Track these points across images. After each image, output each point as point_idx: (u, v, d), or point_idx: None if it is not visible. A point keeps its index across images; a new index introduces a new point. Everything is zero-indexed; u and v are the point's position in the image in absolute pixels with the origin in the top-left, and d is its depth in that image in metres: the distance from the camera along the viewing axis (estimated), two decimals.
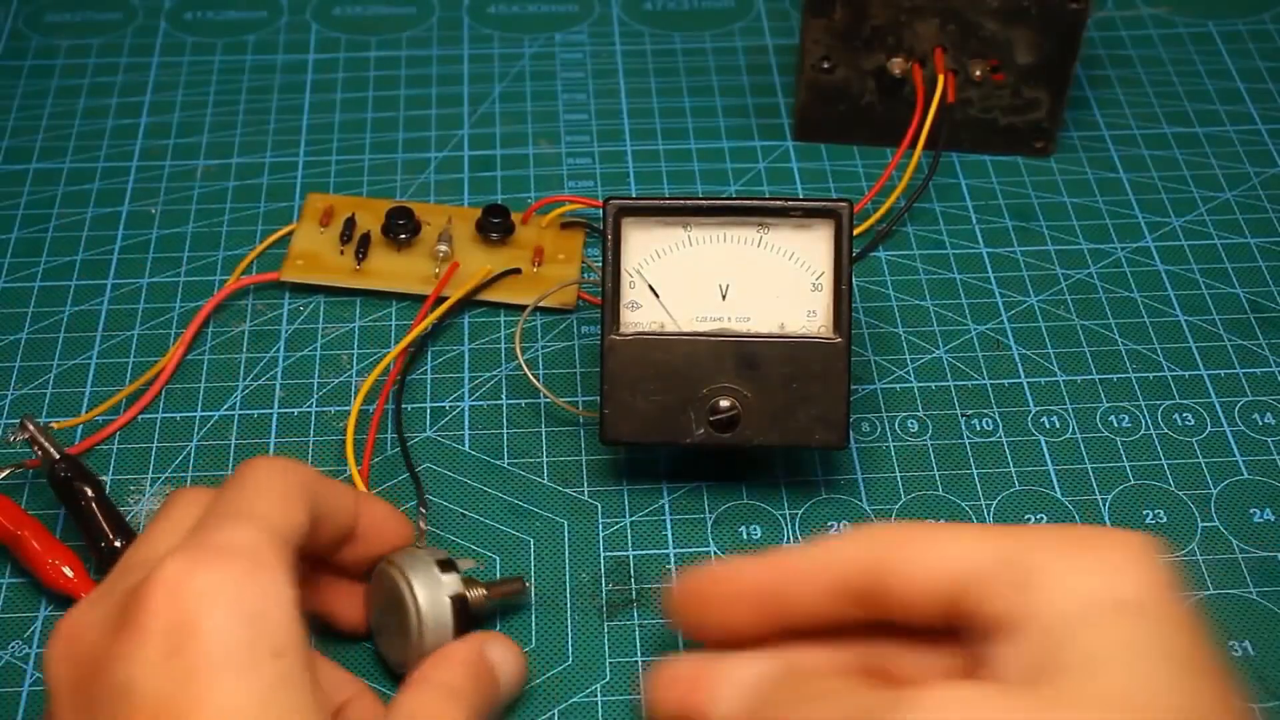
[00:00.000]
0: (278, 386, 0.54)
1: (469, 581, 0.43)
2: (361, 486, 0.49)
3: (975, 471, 0.51)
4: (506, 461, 0.51)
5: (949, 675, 0.37)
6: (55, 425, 0.50)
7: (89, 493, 0.47)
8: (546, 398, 0.53)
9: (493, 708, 0.41)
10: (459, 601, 0.42)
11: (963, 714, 0.32)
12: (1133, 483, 0.50)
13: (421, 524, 0.47)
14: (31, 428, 0.48)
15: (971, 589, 0.35)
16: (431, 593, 0.42)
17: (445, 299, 0.55)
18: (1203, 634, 0.34)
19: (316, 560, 0.42)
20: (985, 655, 0.34)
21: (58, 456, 0.47)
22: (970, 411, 0.53)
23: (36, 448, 0.47)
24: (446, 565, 0.42)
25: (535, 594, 0.47)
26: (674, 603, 0.40)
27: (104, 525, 0.46)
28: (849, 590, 0.37)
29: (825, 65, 0.62)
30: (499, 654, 0.41)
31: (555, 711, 0.44)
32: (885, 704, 0.32)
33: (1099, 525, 0.36)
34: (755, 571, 0.38)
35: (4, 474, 0.48)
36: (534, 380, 0.52)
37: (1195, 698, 0.32)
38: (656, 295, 0.48)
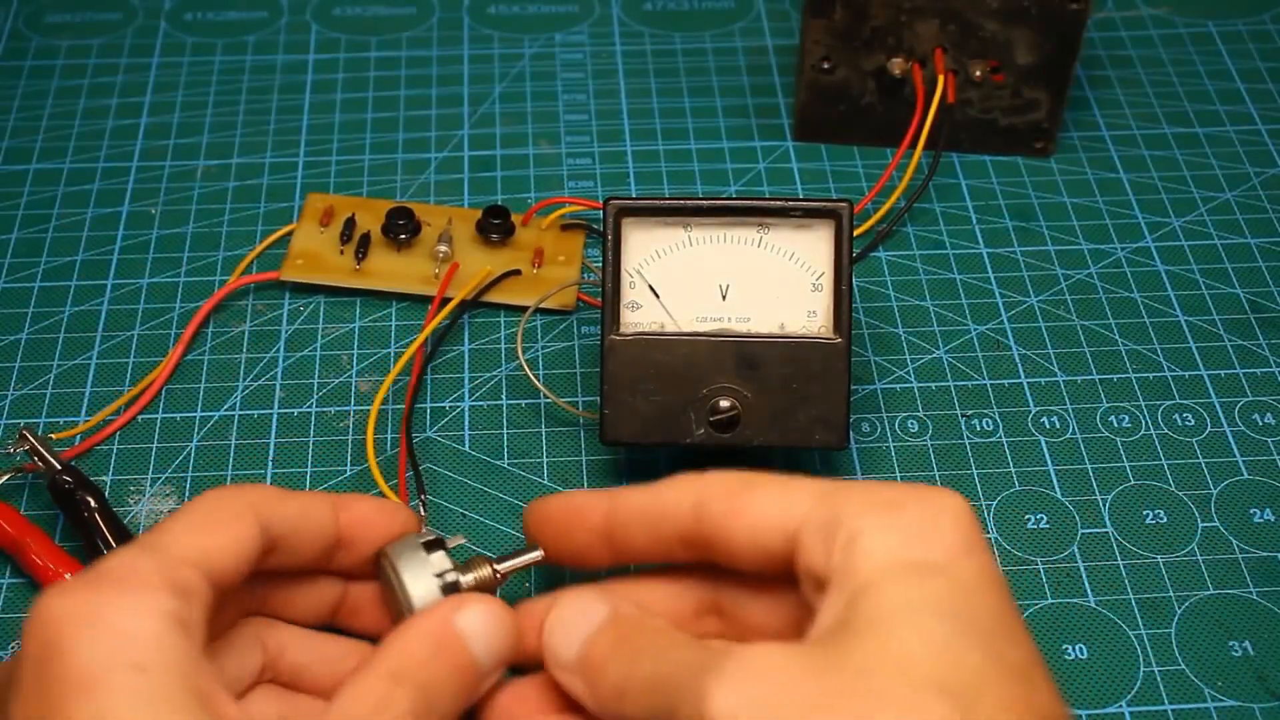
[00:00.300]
0: (278, 387, 0.54)
1: (477, 560, 0.42)
2: (381, 484, 0.48)
3: (975, 472, 0.51)
4: (506, 462, 0.51)
5: (787, 624, 0.39)
6: (54, 437, 0.50)
7: (92, 503, 0.47)
8: (547, 398, 0.53)
9: (470, 682, 0.38)
10: (446, 578, 0.40)
11: (763, 677, 0.33)
12: (1133, 483, 0.50)
13: (422, 510, 0.47)
14: (31, 439, 0.48)
15: (793, 544, 0.37)
16: (416, 572, 0.40)
17: (449, 299, 0.55)
18: (1002, 596, 0.35)
19: (329, 576, 0.42)
20: (814, 608, 0.36)
21: (59, 467, 0.47)
22: (970, 412, 0.53)
23: (37, 458, 0.48)
24: (433, 545, 0.41)
25: (535, 594, 0.46)
26: (526, 525, 0.42)
27: (108, 535, 0.46)
28: (678, 538, 0.39)
29: (825, 65, 0.62)
30: (473, 621, 0.38)
31: None
32: (698, 663, 0.34)
33: (918, 484, 0.37)
34: (593, 508, 0.40)
35: (2, 479, 0.48)
36: (535, 380, 0.52)
37: (979, 661, 0.33)
38: (657, 296, 0.48)
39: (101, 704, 0.32)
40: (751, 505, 0.38)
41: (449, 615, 0.38)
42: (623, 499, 0.40)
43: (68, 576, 0.46)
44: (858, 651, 0.33)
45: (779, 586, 0.39)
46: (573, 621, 0.39)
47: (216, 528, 0.37)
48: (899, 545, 0.35)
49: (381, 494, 0.49)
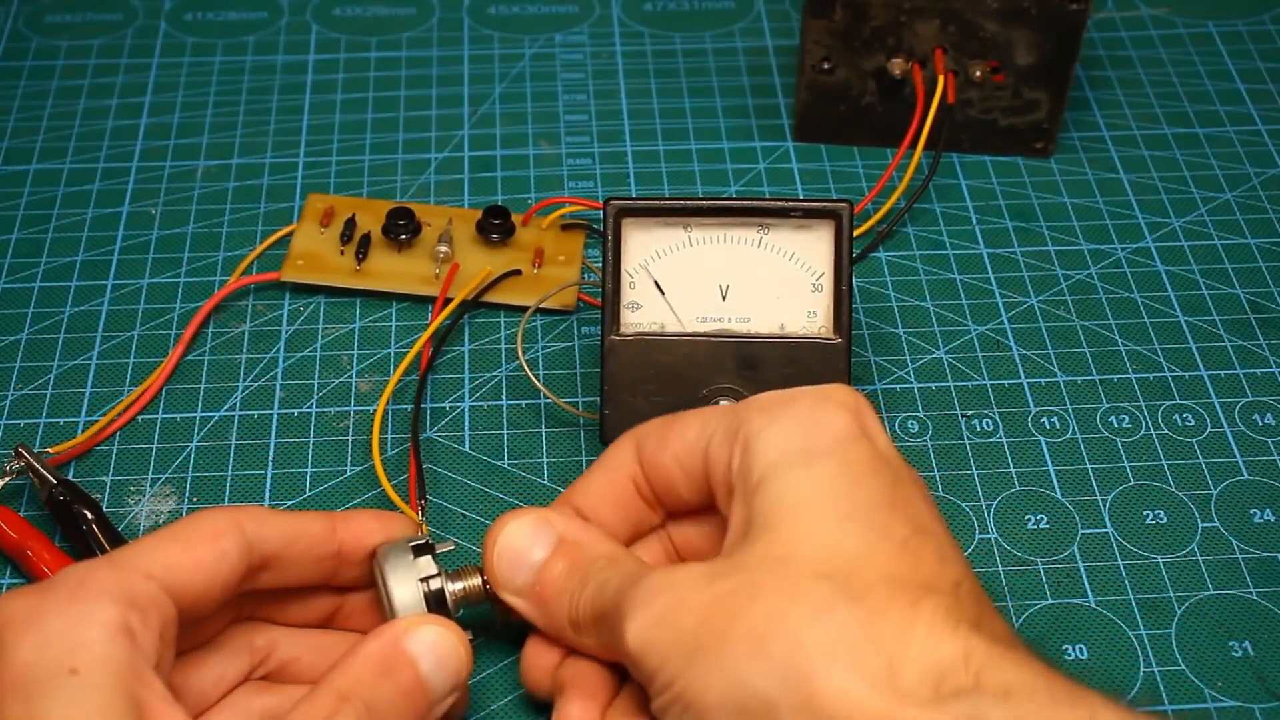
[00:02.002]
0: (278, 387, 0.54)
1: (468, 569, 0.42)
2: (385, 485, 0.48)
3: (975, 472, 0.51)
4: (507, 462, 0.51)
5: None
6: (52, 450, 0.50)
7: (89, 515, 0.47)
8: (547, 398, 0.53)
9: (420, 704, 0.38)
10: (430, 584, 0.40)
11: (668, 593, 0.36)
12: (1133, 483, 0.50)
13: (419, 514, 0.47)
14: (27, 455, 0.48)
15: (707, 464, 0.39)
16: (402, 575, 0.40)
17: (450, 299, 0.55)
18: (892, 475, 0.38)
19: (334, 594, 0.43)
20: (726, 518, 0.39)
21: (55, 482, 0.47)
22: (970, 412, 0.53)
23: (32, 474, 0.48)
24: (422, 549, 0.41)
25: None
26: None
27: (108, 547, 0.46)
28: (636, 496, 0.41)
29: (825, 66, 0.62)
30: (423, 643, 0.38)
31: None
32: (623, 589, 0.37)
33: (811, 386, 0.40)
34: (566, 535, 0.41)
35: (1, 483, 0.48)
36: (535, 380, 0.52)
37: (859, 543, 0.36)
38: (662, 292, 0.48)
39: (33, 705, 0.33)
40: (673, 436, 0.40)
41: (399, 637, 0.38)
42: (579, 502, 0.42)
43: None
44: (751, 553, 0.36)
45: (716, 513, 0.41)
46: (521, 548, 0.40)
47: (191, 544, 0.37)
48: (789, 438, 0.37)
49: (384, 494, 0.49)
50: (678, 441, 0.40)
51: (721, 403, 0.48)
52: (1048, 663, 0.35)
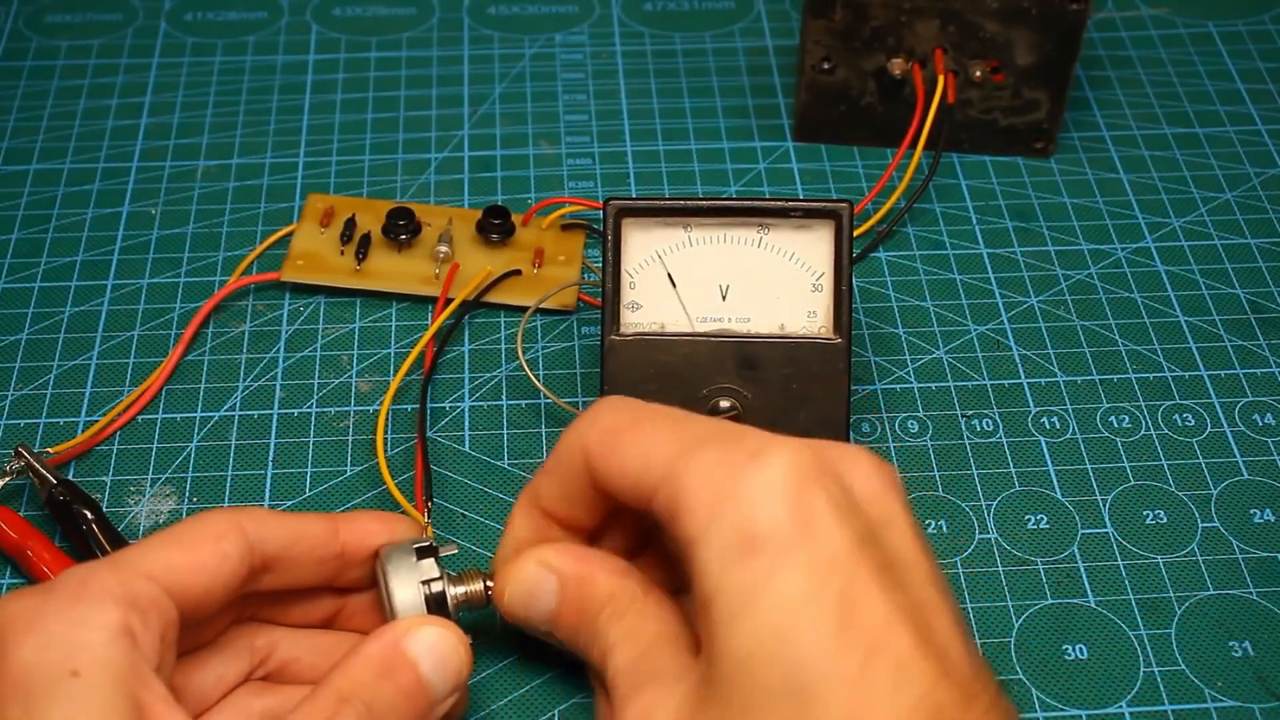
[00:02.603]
0: (278, 387, 0.54)
1: (471, 573, 0.42)
2: (390, 484, 0.48)
3: (975, 472, 0.51)
4: (507, 462, 0.51)
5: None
6: (51, 450, 0.50)
7: (89, 515, 0.47)
8: (547, 398, 0.53)
9: (420, 705, 0.38)
10: (432, 586, 0.40)
11: None
12: (1133, 483, 0.50)
13: (425, 515, 0.47)
14: (27, 455, 0.48)
15: (650, 511, 0.37)
16: (404, 577, 0.40)
17: (451, 299, 0.55)
18: (841, 576, 0.34)
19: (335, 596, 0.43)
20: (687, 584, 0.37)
21: (55, 483, 0.47)
22: (970, 412, 0.53)
23: (32, 475, 0.48)
24: (425, 551, 0.41)
25: None
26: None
27: (108, 547, 0.46)
28: (599, 493, 0.40)
29: (825, 66, 0.62)
30: (424, 645, 0.38)
31: (556, 711, 0.44)
32: (620, 658, 0.38)
33: (760, 444, 0.36)
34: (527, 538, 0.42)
35: (1, 483, 0.48)
36: (535, 381, 0.52)
37: (823, 698, 0.33)
38: (674, 284, 0.48)
39: (33, 707, 0.33)
40: (614, 466, 0.38)
41: (399, 638, 0.38)
42: (541, 491, 0.41)
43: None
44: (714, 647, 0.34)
45: None
46: (530, 599, 0.40)
47: (192, 546, 0.37)
48: (726, 561, 0.35)
49: (384, 494, 0.49)
50: (620, 473, 0.38)
51: (721, 404, 0.48)
52: None
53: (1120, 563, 0.48)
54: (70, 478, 0.49)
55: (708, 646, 0.35)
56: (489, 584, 0.42)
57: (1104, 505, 0.50)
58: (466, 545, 0.48)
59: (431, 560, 0.41)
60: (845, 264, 0.48)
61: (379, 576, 0.41)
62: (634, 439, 0.38)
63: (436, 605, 0.41)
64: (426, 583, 0.40)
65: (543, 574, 0.40)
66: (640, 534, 0.43)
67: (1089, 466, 0.51)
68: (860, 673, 0.33)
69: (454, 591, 0.41)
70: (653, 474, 0.37)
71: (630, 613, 0.39)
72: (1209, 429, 0.52)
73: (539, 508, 0.41)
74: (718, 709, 0.34)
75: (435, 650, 0.38)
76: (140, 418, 0.52)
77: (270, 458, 0.51)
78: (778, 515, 0.34)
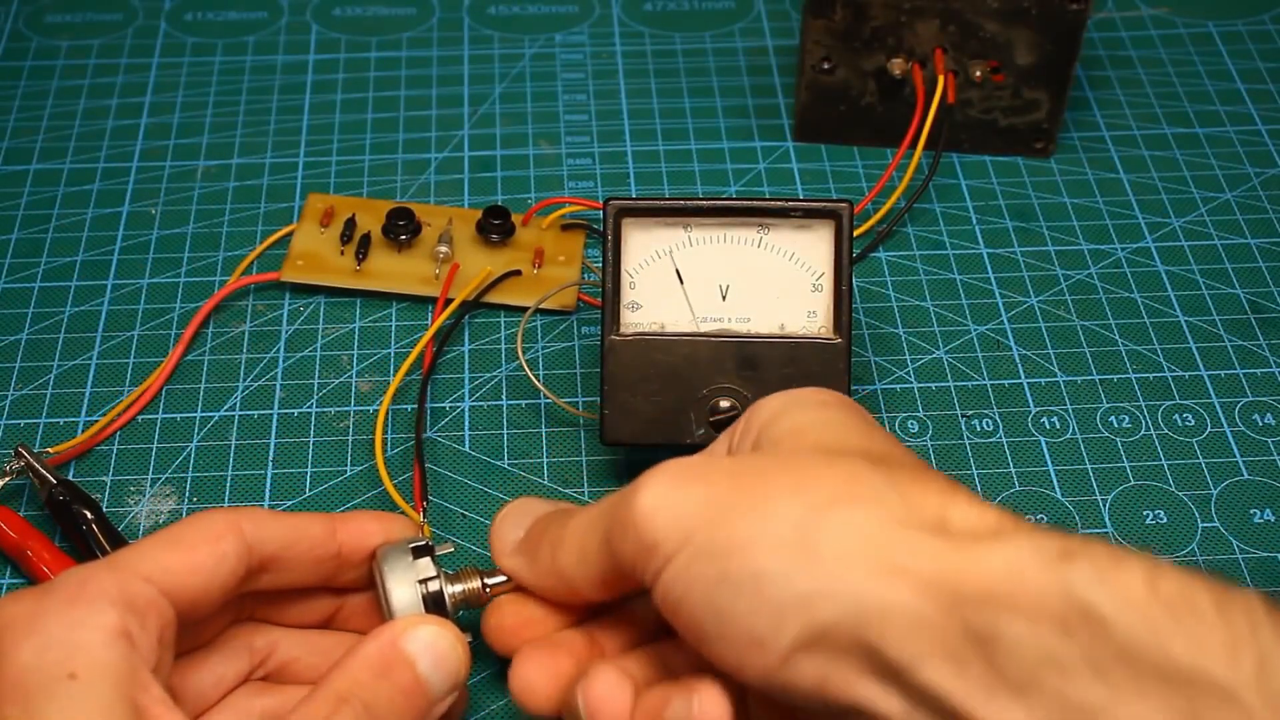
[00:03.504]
0: (278, 387, 0.54)
1: (468, 571, 0.42)
2: (388, 484, 0.48)
3: (975, 472, 0.51)
4: (507, 462, 0.51)
5: None
6: (51, 450, 0.50)
7: (88, 515, 0.47)
8: (547, 398, 0.53)
9: (419, 704, 0.38)
10: (429, 585, 0.40)
11: (681, 463, 0.36)
12: (1133, 483, 0.50)
13: (421, 515, 0.47)
14: (27, 455, 0.48)
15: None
16: (400, 577, 0.40)
17: (451, 300, 0.55)
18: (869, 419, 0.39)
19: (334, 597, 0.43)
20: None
21: (55, 482, 0.47)
22: (970, 412, 0.53)
23: (32, 475, 0.48)
24: (421, 551, 0.41)
25: None
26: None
27: (108, 547, 0.46)
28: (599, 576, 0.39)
29: (825, 66, 0.62)
30: (422, 644, 0.38)
31: None
32: (619, 498, 0.37)
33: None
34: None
35: (1, 483, 0.48)
36: (535, 381, 0.52)
37: (872, 443, 0.37)
38: (681, 280, 0.48)
39: (31, 709, 0.33)
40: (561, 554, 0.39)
41: (396, 637, 0.38)
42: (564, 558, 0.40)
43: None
44: (774, 449, 0.37)
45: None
46: (518, 511, 0.41)
47: (190, 547, 0.37)
48: (792, 397, 0.39)
49: (384, 494, 0.49)
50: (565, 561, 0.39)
51: (721, 404, 0.48)
52: None
53: None
54: (70, 478, 0.49)
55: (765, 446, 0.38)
56: (486, 581, 0.41)
57: (1104, 505, 0.50)
58: (466, 545, 0.48)
59: (428, 559, 0.41)
60: (845, 264, 0.48)
61: (376, 576, 0.41)
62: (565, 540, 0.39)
63: (434, 604, 0.40)
64: (423, 582, 0.40)
65: (535, 501, 0.41)
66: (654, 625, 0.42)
67: (1089, 466, 0.51)
68: (901, 455, 0.37)
69: (451, 590, 0.41)
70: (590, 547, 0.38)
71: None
72: (1209, 429, 0.52)
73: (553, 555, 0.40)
74: (762, 458, 0.37)
75: (433, 649, 0.38)
76: (140, 418, 0.52)
77: (270, 458, 0.51)
78: (824, 393, 0.40)
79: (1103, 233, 0.60)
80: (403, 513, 0.47)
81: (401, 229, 0.57)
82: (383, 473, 0.49)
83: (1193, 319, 0.57)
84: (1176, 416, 0.53)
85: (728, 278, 0.49)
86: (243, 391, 0.53)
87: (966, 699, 0.31)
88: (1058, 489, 0.50)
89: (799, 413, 0.38)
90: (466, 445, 0.51)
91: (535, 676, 0.39)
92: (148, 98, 0.67)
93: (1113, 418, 0.53)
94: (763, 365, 0.48)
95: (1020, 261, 0.59)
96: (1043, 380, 0.54)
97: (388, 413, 0.52)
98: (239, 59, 0.69)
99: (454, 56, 0.70)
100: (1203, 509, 0.50)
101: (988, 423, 0.53)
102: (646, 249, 0.48)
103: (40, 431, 0.52)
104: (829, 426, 0.38)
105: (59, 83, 0.68)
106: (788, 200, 0.48)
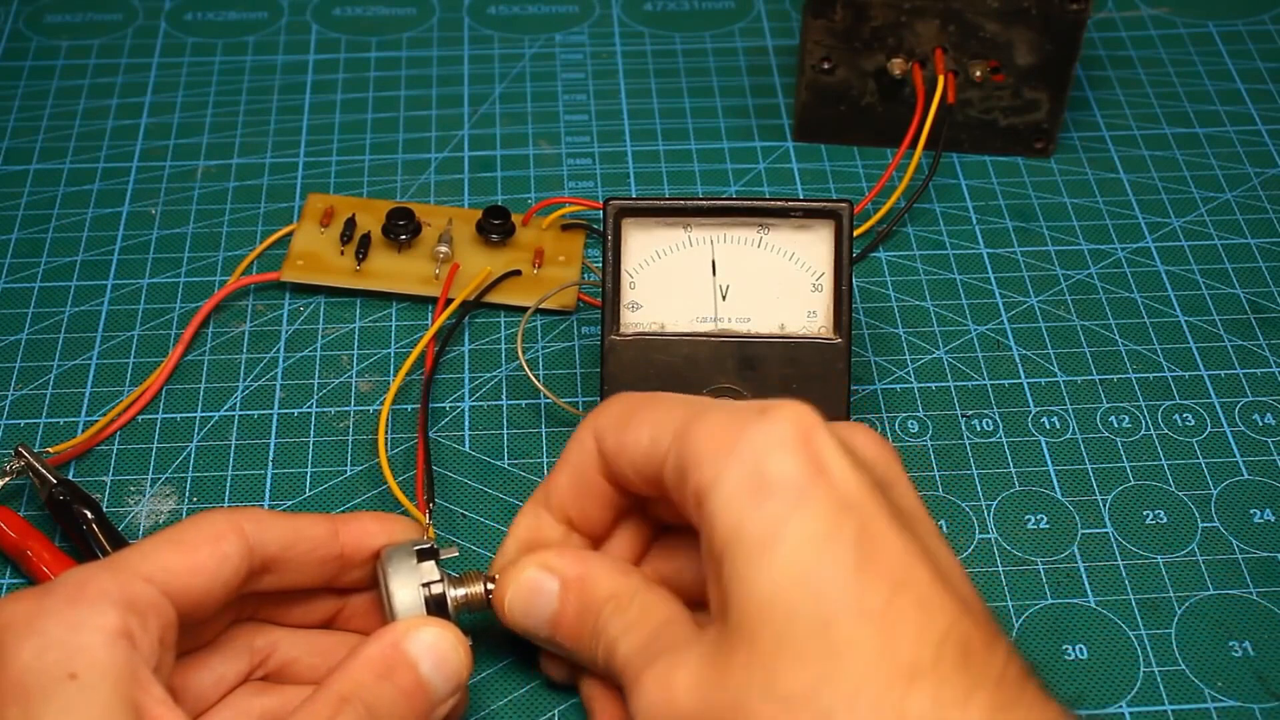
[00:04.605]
0: (278, 387, 0.54)
1: (472, 575, 0.42)
2: (391, 483, 0.48)
3: (975, 472, 0.51)
4: (506, 462, 0.51)
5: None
6: (51, 450, 0.50)
7: (89, 515, 0.47)
8: (547, 398, 0.53)
9: (421, 705, 0.38)
10: (432, 588, 0.40)
11: (661, 692, 0.36)
12: (1133, 483, 0.50)
13: (425, 516, 0.47)
14: (27, 455, 0.48)
15: (663, 484, 0.38)
16: (404, 579, 0.40)
17: (451, 300, 0.55)
18: (857, 518, 0.34)
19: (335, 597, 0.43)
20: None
21: (55, 482, 0.47)
22: (970, 412, 0.53)
23: (32, 475, 0.48)
24: (426, 554, 0.41)
25: None
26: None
27: (108, 547, 0.46)
28: (611, 488, 0.40)
29: (825, 66, 0.62)
30: (424, 646, 0.38)
31: (555, 712, 0.44)
32: (628, 646, 0.38)
33: (763, 405, 0.37)
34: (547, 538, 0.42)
35: (1, 483, 0.48)
36: (535, 381, 0.52)
37: (846, 635, 0.33)
38: (714, 274, 0.48)
39: (31, 710, 0.33)
40: (628, 441, 0.39)
41: (399, 639, 0.38)
42: (553, 490, 0.41)
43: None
44: (733, 668, 0.34)
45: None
46: (531, 602, 0.40)
47: (191, 548, 0.37)
48: (741, 503, 0.35)
49: (384, 494, 0.49)
50: (633, 448, 0.39)
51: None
52: (1049, 698, 0.34)
53: (1120, 563, 0.48)
54: (70, 478, 0.49)
55: (726, 596, 0.35)
56: (489, 586, 0.41)
57: (1104, 505, 0.50)
58: (467, 545, 0.48)
59: (432, 563, 0.41)
60: (845, 264, 0.48)
61: (380, 578, 0.41)
62: (643, 418, 0.39)
63: (436, 607, 0.41)
64: (427, 585, 0.40)
65: (543, 576, 0.40)
66: (646, 539, 0.43)
67: (1089, 466, 0.51)
68: (886, 607, 0.33)
69: (454, 594, 0.41)
70: (661, 444, 0.37)
71: (634, 606, 0.39)
72: (1209, 429, 0.52)
73: (548, 508, 0.42)
74: (742, 656, 0.34)
75: (435, 651, 0.38)
76: (140, 418, 0.52)
77: (270, 458, 0.51)
78: (788, 461, 0.35)
79: (1103, 233, 0.60)
80: (408, 514, 0.47)
81: (401, 229, 0.57)
82: (386, 473, 0.49)
83: (1193, 319, 0.57)
84: (1176, 416, 0.53)
85: (728, 278, 0.49)
86: (243, 391, 0.53)
87: None
88: (1058, 489, 0.50)
89: (766, 560, 0.34)
90: (466, 445, 0.51)
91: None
92: (148, 98, 0.67)
93: (1113, 418, 0.53)
94: (763, 365, 0.48)
95: (1020, 261, 0.59)
96: (1043, 380, 0.54)
97: (388, 413, 0.52)
98: (239, 59, 0.69)
99: (454, 56, 0.70)
100: (1203, 509, 0.50)
101: (988, 423, 0.53)
102: (646, 249, 0.48)
103: (40, 431, 0.52)
104: (805, 600, 0.34)
105: (59, 83, 0.68)
106: (788, 200, 0.48)
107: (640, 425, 0.38)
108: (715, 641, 0.36)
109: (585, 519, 0.41)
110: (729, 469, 0.35)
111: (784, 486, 0.35)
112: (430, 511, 0.48)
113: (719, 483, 0.35)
